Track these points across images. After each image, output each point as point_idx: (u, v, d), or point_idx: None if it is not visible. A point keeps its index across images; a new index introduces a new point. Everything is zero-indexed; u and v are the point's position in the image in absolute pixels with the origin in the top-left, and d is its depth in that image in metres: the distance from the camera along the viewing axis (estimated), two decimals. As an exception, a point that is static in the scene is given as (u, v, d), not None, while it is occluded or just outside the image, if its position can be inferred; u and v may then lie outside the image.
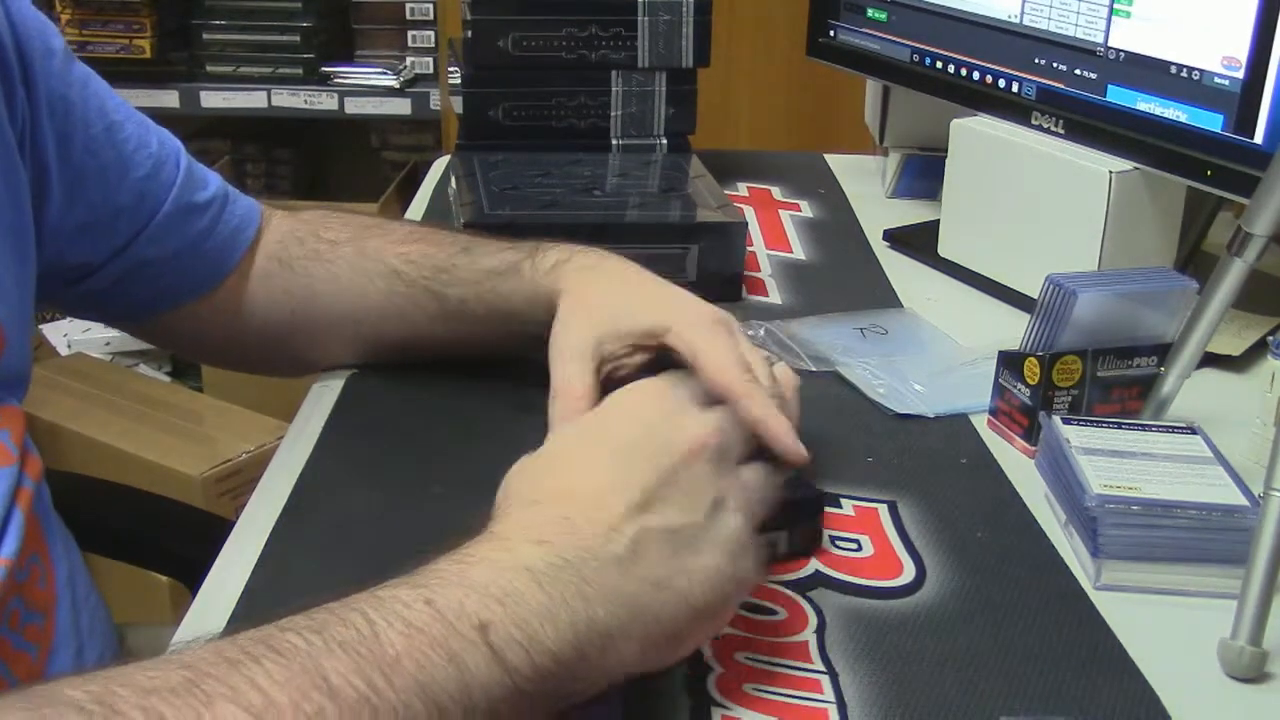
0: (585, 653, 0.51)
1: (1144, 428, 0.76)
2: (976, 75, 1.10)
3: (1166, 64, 0.93)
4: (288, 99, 2.41)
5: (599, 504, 0.55)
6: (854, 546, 0.71)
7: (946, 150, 1.11)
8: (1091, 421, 0.76)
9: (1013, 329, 0.84)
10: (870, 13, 1.21)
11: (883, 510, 0.75)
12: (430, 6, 2.43)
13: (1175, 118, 0.93)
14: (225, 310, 0.87)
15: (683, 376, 0.61)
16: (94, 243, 0.81)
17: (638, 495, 0.55)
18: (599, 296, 0.78)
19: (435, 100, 2.37)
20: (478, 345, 0.87)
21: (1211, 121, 0.90)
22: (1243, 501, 0.68)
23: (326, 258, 0.87)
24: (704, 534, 0.55)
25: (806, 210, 1.28)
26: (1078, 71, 1.00)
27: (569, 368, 0.74)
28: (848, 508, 0.75)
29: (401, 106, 2.41)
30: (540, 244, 0.84)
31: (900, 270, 1.12)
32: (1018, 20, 1.05)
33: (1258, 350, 0.94)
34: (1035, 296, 0.81)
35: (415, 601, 0.49)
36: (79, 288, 0.83)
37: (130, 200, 0.81)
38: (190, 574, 0.78)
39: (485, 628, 0.49)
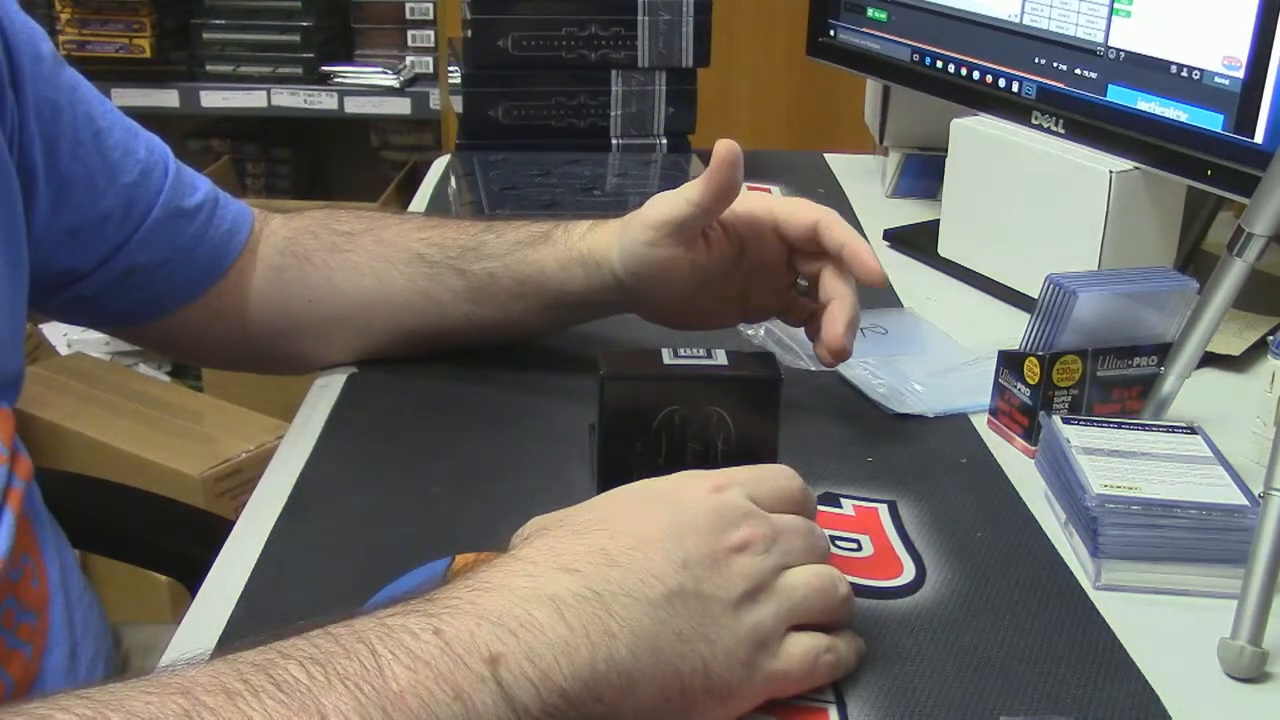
0: (600, 694, 0.50)
1: (1144, 428, 0.76)
2: (976, 75, 1.10)
3: (1167, 64, 0.93)
4: (287, 99, 2.41)
5: (643, 549, 0.53)
6: (854, 546, 0.71)
7: (946, 150, 1.11)
8: (1091, 421, 0.76)
9: (1013, 329, 0.84)
10: (870, 12, 1.21)
11: (883, 510, 0.75)
12: (430, 6, 2.43)
13: (1175, 117, 0.93)
14: (221, 313, 0.87)
15: (763, 478, 0.61)
16: (81, 249, 0.81)
17: (681, 557, 0.54)
18: None
19: (435, 100, 2.37)
20: (507, 325, 0.85)
21: (1211, 121, 0.90)
22: (1243, 501, 0.68)
23: (344, 248, 0.87)
24: (728, 614, 0.54)
25: (806, 210, 1.28)
26: (1078, 71, 1.00)
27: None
28: (848, 508, 0.75)
29: (401, 106, 2.41)
30: (568, 221, 0.83)
31: (900, 270, 1.12)
32: (1018, 20, 1.05)
33: (1258, 350, 0.93)
34: (1035, 296, 0.81)
35: (424, 631, 0.48)
36: (68, 294, 0.82)
37: (117, 207, 0.81)
38: (190, 574, 0.78)
39: (495, 660, 0.48)
